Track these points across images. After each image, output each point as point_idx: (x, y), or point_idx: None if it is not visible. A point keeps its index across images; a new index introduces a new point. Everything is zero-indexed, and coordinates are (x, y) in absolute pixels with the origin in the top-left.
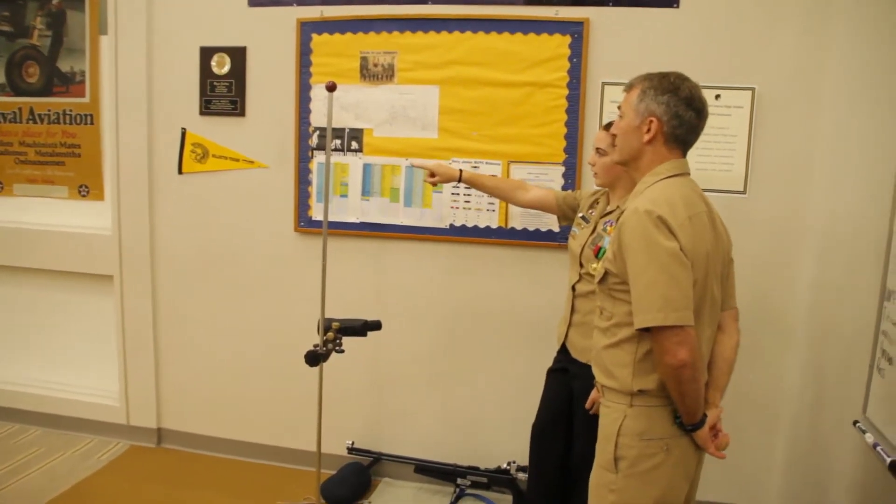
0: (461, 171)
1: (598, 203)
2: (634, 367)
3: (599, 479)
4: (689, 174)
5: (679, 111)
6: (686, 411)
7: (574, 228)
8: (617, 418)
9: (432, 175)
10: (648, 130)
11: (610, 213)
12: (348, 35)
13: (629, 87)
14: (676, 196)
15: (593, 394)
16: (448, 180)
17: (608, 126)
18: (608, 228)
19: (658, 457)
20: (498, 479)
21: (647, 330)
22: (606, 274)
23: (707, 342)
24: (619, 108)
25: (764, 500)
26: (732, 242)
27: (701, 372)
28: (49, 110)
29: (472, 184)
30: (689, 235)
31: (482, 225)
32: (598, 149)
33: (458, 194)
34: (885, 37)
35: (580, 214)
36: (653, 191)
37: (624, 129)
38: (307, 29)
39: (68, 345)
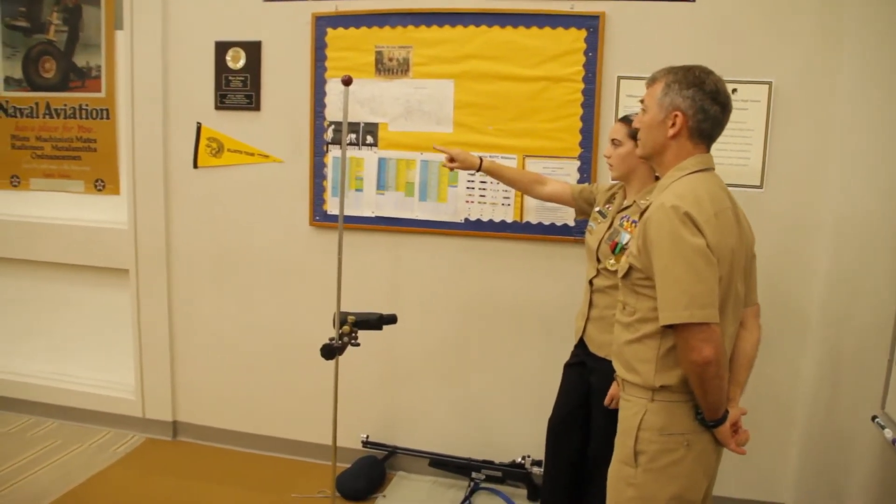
0: (481, 159)
1: (615, 198)
2: (657, 363)
3: (618, 473)
4: (713, 169)
5: (704, 105)
6: (708, 408)
7: (591, 223)
8: (637, 412)
9: (452, 161)
10: (673, 125)
11: (627, 207)
12: (363, 29)
13: (652, 81)
14: (702, 191)
15: (612, 389)
16: (467, 168)
17: (624, 119)
18: (625, 224)
19: (678, 452)
20: (513, 473)
21: (671, 326)
22: (630, 269)
23: (729, 339)
24: (641, 101)
25: (780, 496)
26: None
27: (725, 369)
28: (65, 105)
29: (491, 174)
30: (715, 232)
31: (497, 219)
32: (613, 140)
33: (472, 188)
34: None
35: (597, 209)
36: (678, 186)
37: (647, 124)
38: (322, 23)
39: (84, 338)
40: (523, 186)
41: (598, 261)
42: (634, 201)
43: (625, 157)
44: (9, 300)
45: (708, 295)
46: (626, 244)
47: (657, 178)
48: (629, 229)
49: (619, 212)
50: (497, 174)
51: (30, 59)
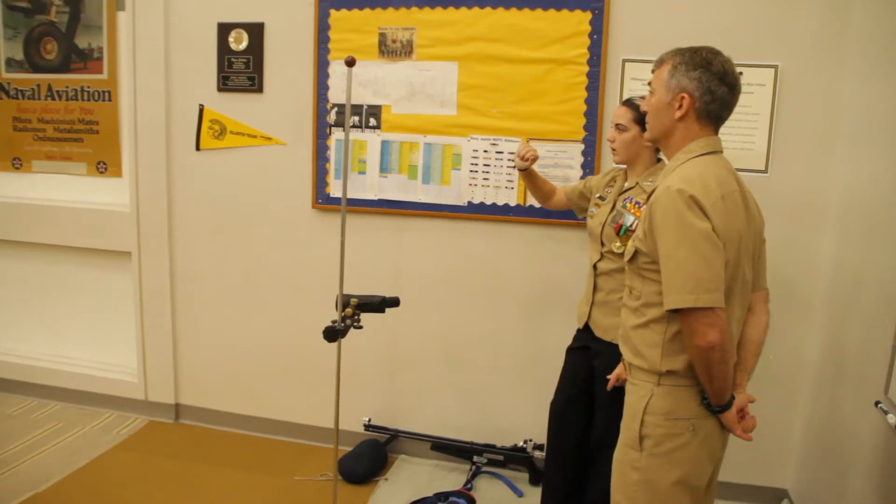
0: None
1: (615, 181)
2: (663, 348)
3: (624, 456)
4: (721, 151)
5: (712, 86)
6: (714, 393)
7: (591, 208)
8: (644, 396)
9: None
10: (680, 107)
11: (629, 189)
12: (366, 11)
13: (659, 63)
14: (709, 175)
15: (618, 368)
16: (520, 167)
17: (627, 102)
18: (627, 205)
19: (684, 437)
20: (514, 456)
21: (677, 311)
22: (636, 253)
23: (737, 323)
24: (649, 83)
25: (782, 481)
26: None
27: (730, 354)
28: (67, 87)
29: (527, 177)
30: (721, 216)
31: (500, 202)
32: (617, 125)
33: (476, 172)
34: None
35: (597, 195)
36: (685, 169)
37: (655, 106)
38: (325, 5)
39: (87, 320)
40: (541, 195)
41: (603, 244)
42: (637, 183)
43: (630, 143)
44: (11, 283)
45: (713, 279)
46: (631, 226)
47: (659, 160)
48: (633, 211)
49: (620, 194)
50: (530, 179)
51: (31, 41)
